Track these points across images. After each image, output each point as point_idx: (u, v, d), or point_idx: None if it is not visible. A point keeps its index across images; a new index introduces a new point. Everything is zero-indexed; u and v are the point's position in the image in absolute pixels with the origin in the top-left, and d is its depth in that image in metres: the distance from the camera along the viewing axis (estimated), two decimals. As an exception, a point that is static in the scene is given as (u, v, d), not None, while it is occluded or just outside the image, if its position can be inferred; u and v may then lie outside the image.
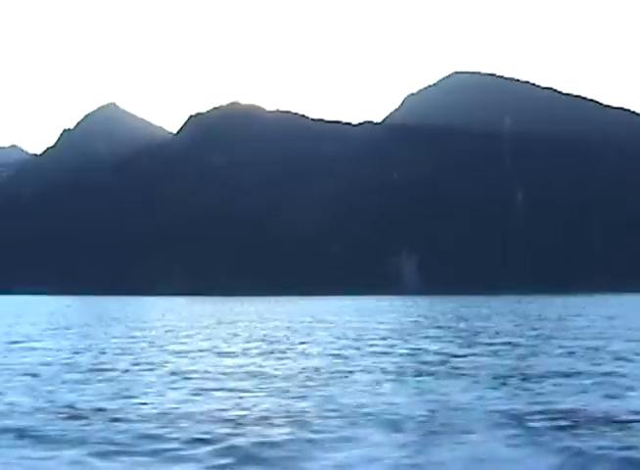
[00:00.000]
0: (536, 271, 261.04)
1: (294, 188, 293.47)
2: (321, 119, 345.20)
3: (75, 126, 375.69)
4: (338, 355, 29.68)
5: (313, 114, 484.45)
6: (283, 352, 31.79)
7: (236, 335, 43.54)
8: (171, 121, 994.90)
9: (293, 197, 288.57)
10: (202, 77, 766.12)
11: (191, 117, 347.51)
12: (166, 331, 48.19)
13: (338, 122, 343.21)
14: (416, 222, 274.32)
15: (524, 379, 22.48)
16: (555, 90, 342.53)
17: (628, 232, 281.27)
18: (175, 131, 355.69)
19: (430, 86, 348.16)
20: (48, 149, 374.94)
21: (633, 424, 15.37)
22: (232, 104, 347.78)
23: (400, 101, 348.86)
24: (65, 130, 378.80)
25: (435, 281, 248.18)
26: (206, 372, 24.05)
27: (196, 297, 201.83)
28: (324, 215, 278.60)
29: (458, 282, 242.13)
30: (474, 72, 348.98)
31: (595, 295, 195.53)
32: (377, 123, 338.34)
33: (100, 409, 16.68)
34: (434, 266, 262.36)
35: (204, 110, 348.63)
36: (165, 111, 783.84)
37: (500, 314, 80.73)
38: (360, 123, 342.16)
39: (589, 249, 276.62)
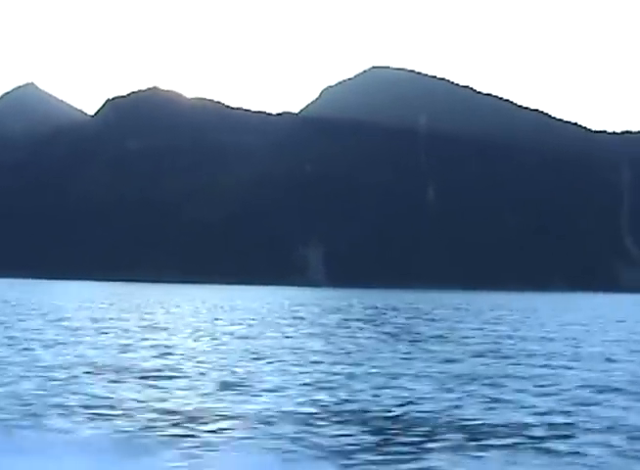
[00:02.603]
0: (445, 268, 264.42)
1: (208, 175, 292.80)
2: (240, 108, 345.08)
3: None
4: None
5: (233, 102, 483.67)
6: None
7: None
8: (92, 104, 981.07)
9: (207, 184, 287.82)
10: (124, 61, 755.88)
11: (108, 100, 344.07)
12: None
13: (257, 112, 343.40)
14: (326, 215, 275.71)
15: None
16: (472, 89, 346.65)
17: (539, 232, 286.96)
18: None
19: (348, 80, 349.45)
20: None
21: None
22: (151, 89, 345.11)
23: (318, 93, 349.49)
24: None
25: (341, 274, 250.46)
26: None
27: (106, 282, 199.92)
28: (236, 204, 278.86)
29: (365, 275, 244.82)
30: (392, 68, 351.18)
31: (504, 293, 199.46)
32: (295, 114, 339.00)
33: None
34: (341, 259, 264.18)
35: (124, 93, 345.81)
36: (87, 93, 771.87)
37: (370, 308, 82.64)
38: (279, 114, 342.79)
39: (499, 247, 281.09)
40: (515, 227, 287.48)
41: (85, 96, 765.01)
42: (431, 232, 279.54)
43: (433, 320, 59.18)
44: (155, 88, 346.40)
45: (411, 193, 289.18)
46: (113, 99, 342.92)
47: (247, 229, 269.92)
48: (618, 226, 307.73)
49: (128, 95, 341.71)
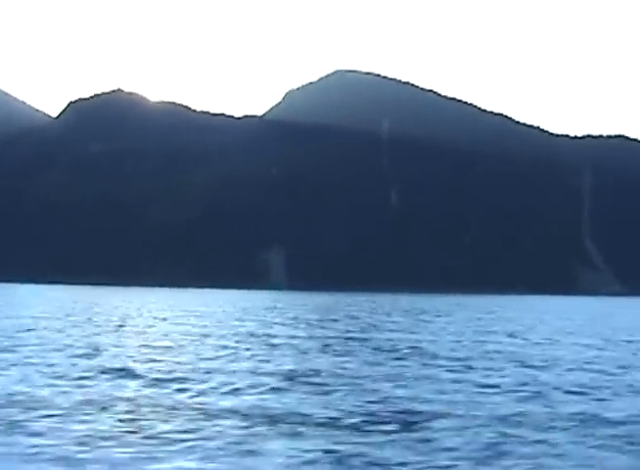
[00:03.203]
0: (407, 271, 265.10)
1: (171, 179, 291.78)
2: (204, 112, 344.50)
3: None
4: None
5: (197, 105, 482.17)
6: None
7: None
8: (55, 106, 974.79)
9: (169, 187, 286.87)
10: (87, 63, 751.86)
11: (71, 102, 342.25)
12: None
13: (221, 115, 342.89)
14: (289, 218, 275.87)
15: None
16: (436, 93, 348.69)
17: (500, 235, 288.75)
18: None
19: (312, 83, 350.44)
20: None
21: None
22: (115, 91, 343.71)
23: (282, 96, 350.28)
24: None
25: (304, 277, 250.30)
26: None
27: (67, 286, 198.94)
28: (198, 207, 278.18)
29: (328, 279, 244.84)
30: (356, 71, 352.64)
31: (465, 296, 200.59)
32: (259, 117, 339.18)
33: None
34: (304, 263, 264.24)
35: (87, 96, 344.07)
36: (49, 95, 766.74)
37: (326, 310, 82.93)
38: (243, 117, 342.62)
39: (461, 250, 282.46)
40: (476, 230, 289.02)
41: (48, 98, 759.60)
42: (393, 236, 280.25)
43: (370, 324, 59.34)
44: (118, 91, 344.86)
45: (374, 197, 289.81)
46: (75, 101, 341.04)
47: (209, 232, 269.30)
48: (579, 230, 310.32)
49: (91, 97, 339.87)
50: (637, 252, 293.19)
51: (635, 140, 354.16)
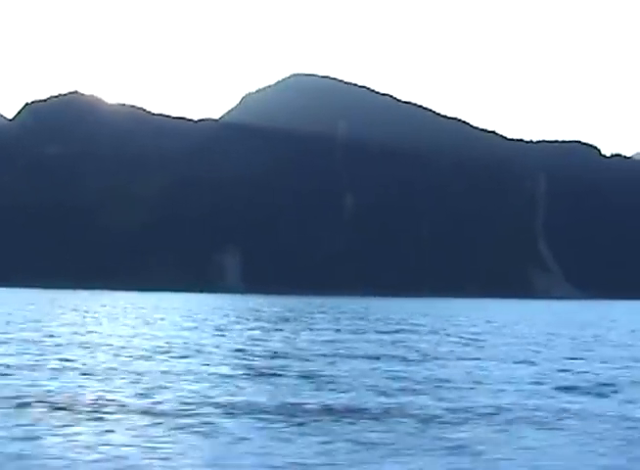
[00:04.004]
0: (361, 274, 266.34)
1: (127, 181, 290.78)
2: (161, 114, 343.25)
3: None
4: None
5: (155, 108, 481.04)
6: None
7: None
8: (10, 108, 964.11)
9: (125, 190, 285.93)
10: (44, 65, 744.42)
11: (27, 104, 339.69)
12: None
13: (177, 118, 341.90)
14: (244, 221, 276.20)
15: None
16: (393, 97, 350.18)
17: (455, 238, 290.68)
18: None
19: (268, 86, 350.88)
20: None
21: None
22: (72, 93, 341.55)
23: (239, 99, 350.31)
24: None
25: (259, 280, 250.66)
26: None
27: (20, 289, 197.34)
28: (154, 210, 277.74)
29: (283, 282, 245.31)
30: (313, 75, 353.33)
31: (417, 299, 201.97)
32: (215, 120, 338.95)
33: None
34: (259, 265, 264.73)
35: (43, 97, 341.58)
36: (5, 97, 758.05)
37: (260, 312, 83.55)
38: (200, 120, 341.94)
39: (415, 253, 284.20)
40: (431, 234, 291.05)
41: (3, 99, 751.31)
42: (348, 238, 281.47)
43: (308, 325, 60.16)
44: (75, 93, 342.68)
45: (329, 199, 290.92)
46: (31, 103, 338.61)
47: (164, 235, 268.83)
48: (533, 234, 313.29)
49: (48, 99, 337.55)
50: (590, 255, 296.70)
51: (589, 145, 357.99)
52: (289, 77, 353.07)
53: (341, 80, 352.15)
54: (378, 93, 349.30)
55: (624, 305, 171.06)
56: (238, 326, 54.62)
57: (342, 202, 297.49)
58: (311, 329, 53.05)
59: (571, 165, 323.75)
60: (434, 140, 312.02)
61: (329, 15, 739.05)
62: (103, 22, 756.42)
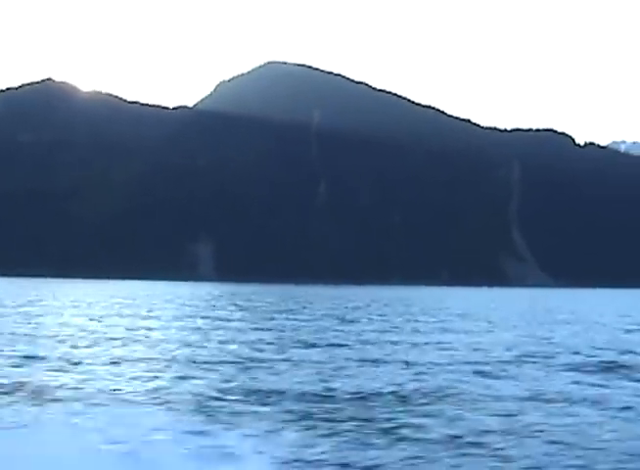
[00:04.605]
0: (334, 262, 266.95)
1: (102, 169, 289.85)
2: (136, 102, 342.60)
3: None
4: None
5: (130, 96, 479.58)
6: None
7: None
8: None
9: (99, 178, 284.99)
10: (17, 52, 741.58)
11: (0, 91, 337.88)
12: None
13: (152, 106, 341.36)
14: (217, 209, 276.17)
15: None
16: (368, 85, 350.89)
17: (429, 226, 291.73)
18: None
19: (243, 74, 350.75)
20: None
21: None
22: (45, 81, 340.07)
23: (214, 87, 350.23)
24: None
25: (232, 269, 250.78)
26: None
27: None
28: (127, 198, 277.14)
29: (256, 270, 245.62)
30: (288, 63, 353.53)
31: (391, 287, 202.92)
32: (190, 108, 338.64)
33: None
34: (232, 254, 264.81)
35: (16, 85, 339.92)
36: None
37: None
38: (174, 108, 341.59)
39: (389, 242, 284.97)
40: (404, 222, 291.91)
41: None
42: (321, 226, 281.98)
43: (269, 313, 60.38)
44: (49, 80, 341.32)
45: (302, 187, 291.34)
46: (4, 90, 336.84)
47: (138, 224, 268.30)
48: (507, 222, 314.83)
49: (21, 87, 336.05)
50: (563, 244, 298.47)
51: (563, 134, 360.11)
52: (264, 65, 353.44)
53: (316, 68, 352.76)
54: (353, 81, 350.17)
55: (595, 294, 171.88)
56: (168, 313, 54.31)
57: (316, 190, 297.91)
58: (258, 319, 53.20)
59: (545, 154, 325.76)
60: (409, 128, 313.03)
61: (304, 3, 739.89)
62: (77, 9, 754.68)
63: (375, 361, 25.13)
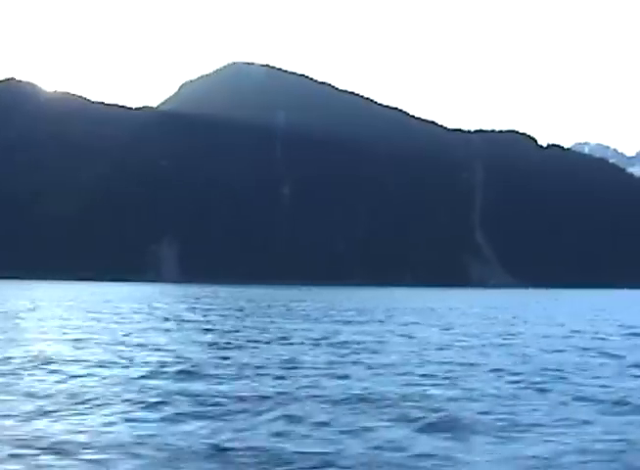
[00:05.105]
0: (298, 264, 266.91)
1: (64, 170, 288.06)
2: (100, 102, 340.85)
3: None
4: None
5: (93, 96, 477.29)
6: None
7: None
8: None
9: (61, 179, 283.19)
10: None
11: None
12: None
13: (116, 106, 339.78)
14: (181, 211, 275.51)
15: None
16: (332, 86, 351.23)
17: (391, 227, 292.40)
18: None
19: (207, 75, 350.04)
20: None
21: None
22: (8, 80, 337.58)
23: (177, 88, 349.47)
24: None
25: (196, 270, 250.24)
26: None
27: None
28: (89, 199, 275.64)
29: (220, 272, 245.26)
30: (252, 64, 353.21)
31: (353, 288, 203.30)
32: (153, 108, 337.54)
33: None
34: (196, 255, 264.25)
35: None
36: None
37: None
38: (138, 108, 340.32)
39: (352, 243, 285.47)
40: (368, 223, 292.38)
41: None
42: (285, 228, 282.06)
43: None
44: (12, 80, 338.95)
45: (266, 189, 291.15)
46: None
47: (100, 224, 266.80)
48: (470, 223, 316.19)
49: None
50: (526, 244, 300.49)
51: (526, 135, 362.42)
52: (227, 66, 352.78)
53: (279, 69, 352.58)
54: (317, 82, 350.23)
55: (555, 294, 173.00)
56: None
57: (279, 191, 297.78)
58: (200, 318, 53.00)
59: (508, 155, 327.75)
60: (373, 129, 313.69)
61: (267, 4, 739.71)
62: (39, 8, 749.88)
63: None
